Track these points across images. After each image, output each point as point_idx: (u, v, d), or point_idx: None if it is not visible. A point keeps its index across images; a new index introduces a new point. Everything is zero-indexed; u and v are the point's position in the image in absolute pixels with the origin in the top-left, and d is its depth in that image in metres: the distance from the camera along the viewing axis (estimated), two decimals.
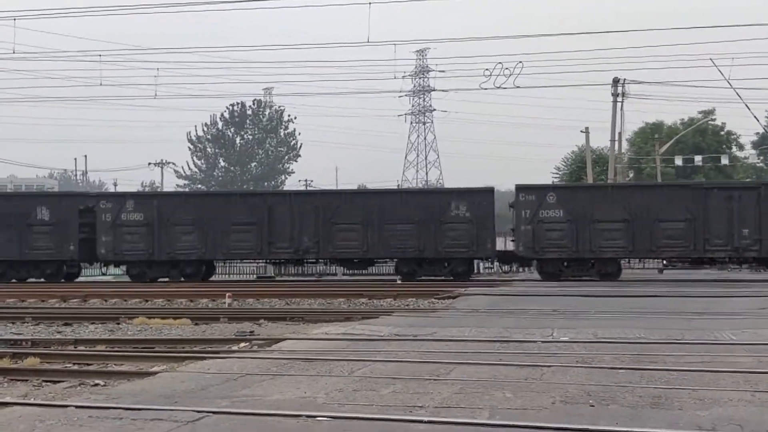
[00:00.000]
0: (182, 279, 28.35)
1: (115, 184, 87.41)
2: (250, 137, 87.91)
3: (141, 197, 30.90)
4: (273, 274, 32.56)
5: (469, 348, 10.07)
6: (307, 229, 27.85)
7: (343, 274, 31.21)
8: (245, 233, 27.99)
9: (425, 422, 5.91)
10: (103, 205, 28.79)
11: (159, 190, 68.29)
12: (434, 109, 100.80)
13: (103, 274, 32.12)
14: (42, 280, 28.75)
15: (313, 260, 29.58)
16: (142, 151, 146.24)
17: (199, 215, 28.23)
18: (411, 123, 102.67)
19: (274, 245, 28.08)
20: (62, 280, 28.81)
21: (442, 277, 27.53)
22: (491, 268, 32.99)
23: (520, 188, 27.50)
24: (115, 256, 28.71)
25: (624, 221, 26.39)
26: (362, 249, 27.79)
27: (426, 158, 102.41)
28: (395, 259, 28.81)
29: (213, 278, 32.13)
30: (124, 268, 31.20)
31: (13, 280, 28.67)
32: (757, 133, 64.41)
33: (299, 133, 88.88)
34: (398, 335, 11.66)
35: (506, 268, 32.18)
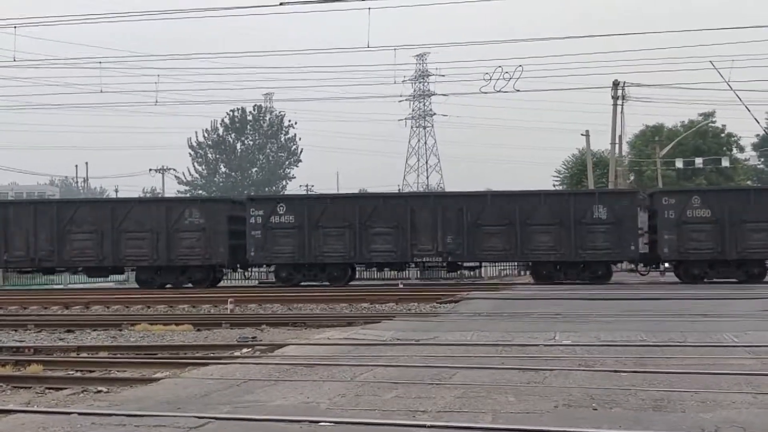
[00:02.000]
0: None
1: (116, 191, 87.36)
2: (251, 143, 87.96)
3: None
4: (275, 280, 32.54)
5: (472, 352, 10.07)
6: None
7: None
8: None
9: (428, 427, 5.91)
10: (662, 200, 27.19)
11: (159, 195, 68.20)
12: (434, 113, 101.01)
13: None
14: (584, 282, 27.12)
15: None
16: (142, 157, 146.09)
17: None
18: (411, 127, 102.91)
19: None
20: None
21: None
22: None
23: None
24: (679, 255, 26.97)
25: None
26: None
27: (427, 162, 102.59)
28: None
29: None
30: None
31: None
32: (758, 135, 64.47)
33: (300, 138, 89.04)
34: (400, 340, 11.66)
35: None
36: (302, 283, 28.35)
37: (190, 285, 28.58)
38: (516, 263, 32.41)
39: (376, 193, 30.78)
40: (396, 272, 30.96)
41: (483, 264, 30.55)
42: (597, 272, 27.36)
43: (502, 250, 27.61)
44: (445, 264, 28.52)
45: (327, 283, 28.03)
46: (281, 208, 28.17)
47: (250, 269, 31.03)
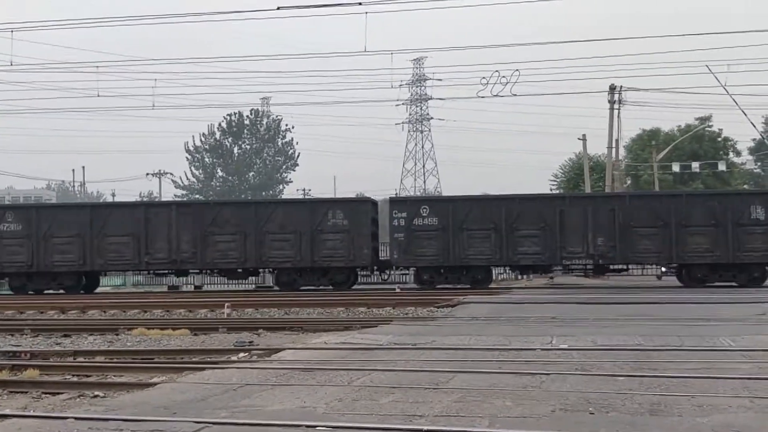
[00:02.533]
0: None
1: (113, 195, 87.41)
2: (248, 147, 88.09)
3: None
4: (272, 284, 32.51)
5: (469, 356, 10.06)
6: None
7: None
8: None
9: (425, 431, 5.91)
10: None
11: (156, 199, 68.07)
12: (431, 118, 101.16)
13: None
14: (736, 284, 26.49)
15: None
16: (140, 161, 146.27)
17: None
18: (408, 131, 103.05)
19: None
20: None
21: None
22: None
23: None
24: None
25: None
26: None
27: (424, 166, 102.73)
28: None
29: (207, 288, 31.90)
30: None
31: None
32: (754, 139, 64.74)
33: (297, 143, 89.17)
34: (397, 344, 11.65)
35: None
36: (439, 286, 27.65)
37: (330, 287, 28.04)
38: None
39: (523, 194, 29.71)
40: (540, 274, 30.47)
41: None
42: (753, 274, 26.83)
43: (655, 252, 27.14)
44: (592, 267, 27.99)
45: (468, 286, 27.36)
46: (425, 210, 27.77)
47: (388, 271, 30.02)
